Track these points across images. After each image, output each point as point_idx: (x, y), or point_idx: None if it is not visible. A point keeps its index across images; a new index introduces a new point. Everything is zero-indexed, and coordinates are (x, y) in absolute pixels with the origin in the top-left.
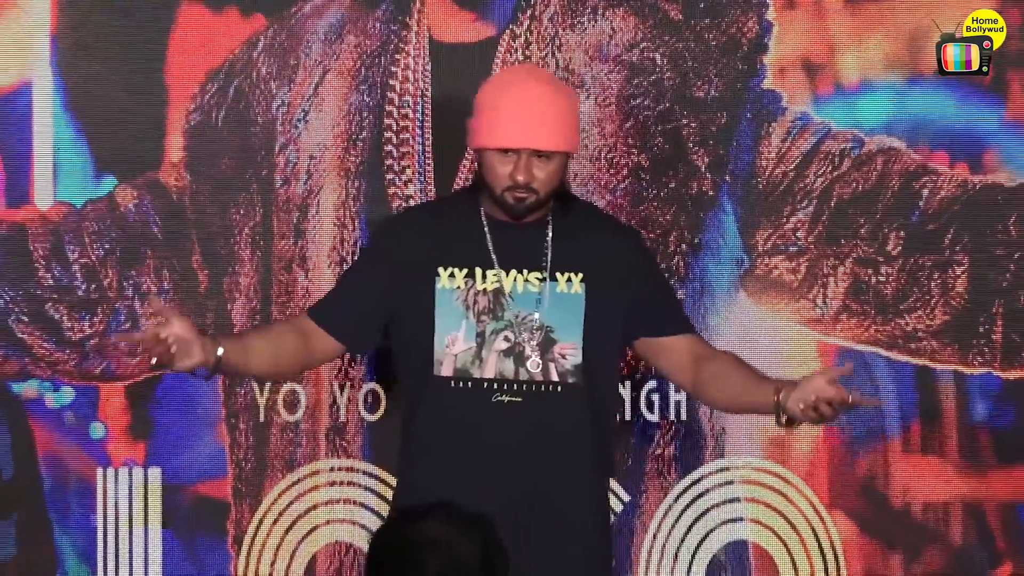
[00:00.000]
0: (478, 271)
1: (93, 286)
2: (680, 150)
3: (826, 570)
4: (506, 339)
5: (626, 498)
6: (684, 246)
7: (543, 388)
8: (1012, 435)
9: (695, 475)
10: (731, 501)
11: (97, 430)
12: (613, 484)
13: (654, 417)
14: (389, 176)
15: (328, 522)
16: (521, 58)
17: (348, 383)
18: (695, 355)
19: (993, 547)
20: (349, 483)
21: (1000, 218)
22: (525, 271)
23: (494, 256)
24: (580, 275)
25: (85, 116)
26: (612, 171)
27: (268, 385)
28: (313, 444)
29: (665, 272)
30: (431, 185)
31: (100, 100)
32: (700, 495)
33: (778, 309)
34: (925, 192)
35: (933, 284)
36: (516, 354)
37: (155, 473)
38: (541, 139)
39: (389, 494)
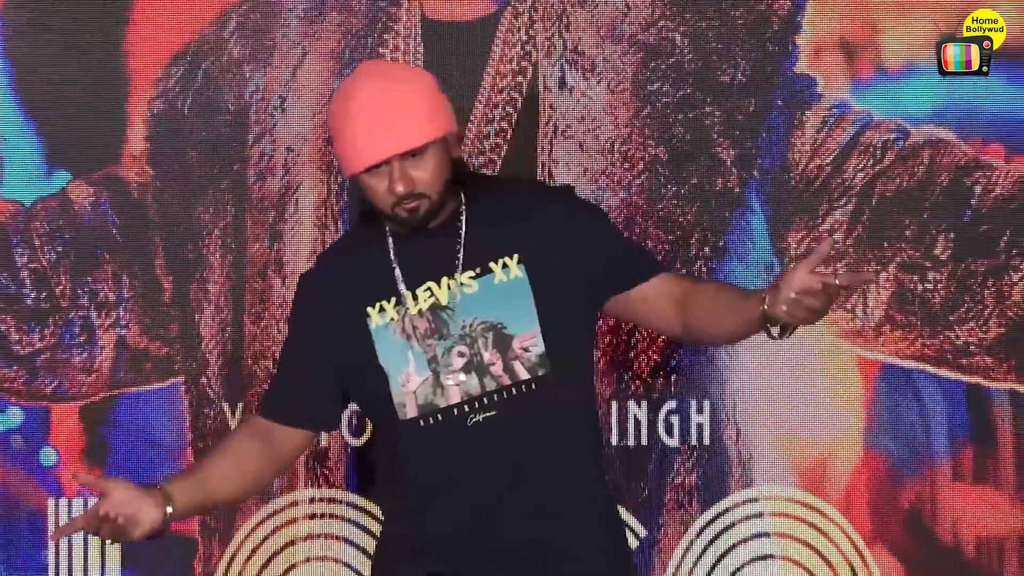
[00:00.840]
0: (407, 295)
1: (44, 294)
2: (703, 142)
3: None
4: (460, 354)
5: (642, 532)
6: (707, 249)
7: (515, 392)
8: None
9: (720, 507)
10: (760, 536)
11: (48, 456)
12: (628, 517)
13: (673, 442)
14: None
15: (308, 559)
16: (524, 38)
17: None
18: (673, 296)
19: None
20: (331, 516)
21: None
22: (456, 275)
23: (409, 274)
24: (515, 256)
25: (35, 102)
26: (627, 165)
27: (240, 406)
28: (291, 472)
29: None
30: None
31: (52, 84)
32: (725, 529)
33: None
34: (978, 189)
35: (987, 292)
36: (476, 366)
37: None
38: (399, 140)
39: (376, 528)
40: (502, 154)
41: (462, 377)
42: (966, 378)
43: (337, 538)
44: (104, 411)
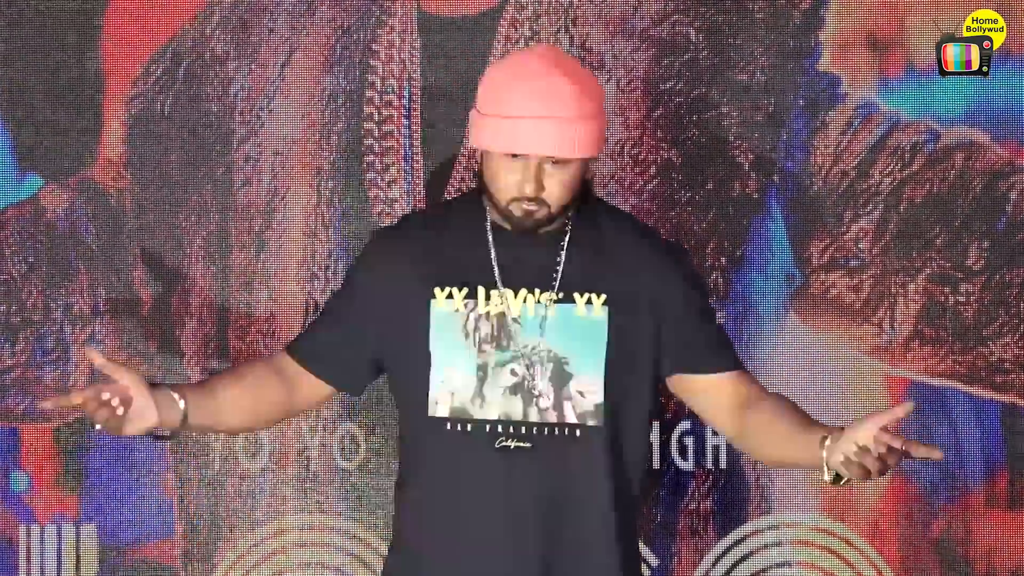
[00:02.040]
0: (480, 291)
1: (14, 307)
2: (719, 144)
3: None
4: (513, 373)
5: (655, 562)
6: (724, 259)
7: (556, 432)
8: None
9: (737, 534)
10: (780, 565)
11: (19, 481)
12: (640, 545)
13: (688, 465)
14: (370, 176)
15: None
16: (528, 34)
17: (320, 424)
18: (740, 398)
19: None
20: (322, 544)
21: None
22: (536, 291)
23: (499, 274)
24: (603, 296)
25: (5, 102)
26: (638, 169)
27: None
28: (278, 497)
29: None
30: (420, 187)
31: (22, 85)
32: (743, 558)
33: (837, 335)
34: (1013, 195)
35: (1023, 305)
36: (525, 391)
37: (89, 532)
38: (557, 145)
39: (370, 557)
40: None
41: (508, 396)
42: (1001, 397)
43: (328, 567)
44: (79, 433)
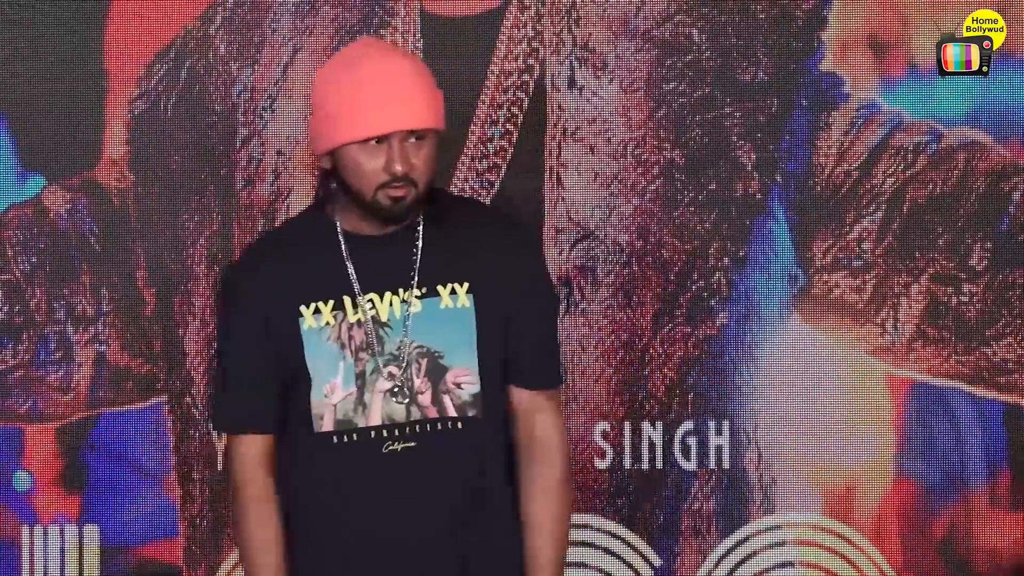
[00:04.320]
0: (347, 301)
1: (17, 308)
2: (722, 145)
3: None
4: (390, 375)
5: (657, 562)
6: (727, 260)
7: (439, 427)
8: None
9: (740, 534)
10: (783, 566)
11: (22, 481)
12: (643, 545)
13: (690, 465)
14: None
15: None
16: (531, 34)
17: None
18: (528, 427)
19: None
20: None
21: None
22: (400, 290)
23: (360, 280)
24: (465, 285)
25: (7, 102)
26: (641, 170)
27: None
28: None
29: (704, 290)
30: None
31: (25, 83)
32: (746, 558)
33: (840, 335)
34: (1016, 195)
35: None
36: (404, 391)
37: (92, 532)
38: (415, 116)
39: None
40: (507, 158)
41: (388, 399)
42: (1004, 397)
43: None
44: (82, 433)
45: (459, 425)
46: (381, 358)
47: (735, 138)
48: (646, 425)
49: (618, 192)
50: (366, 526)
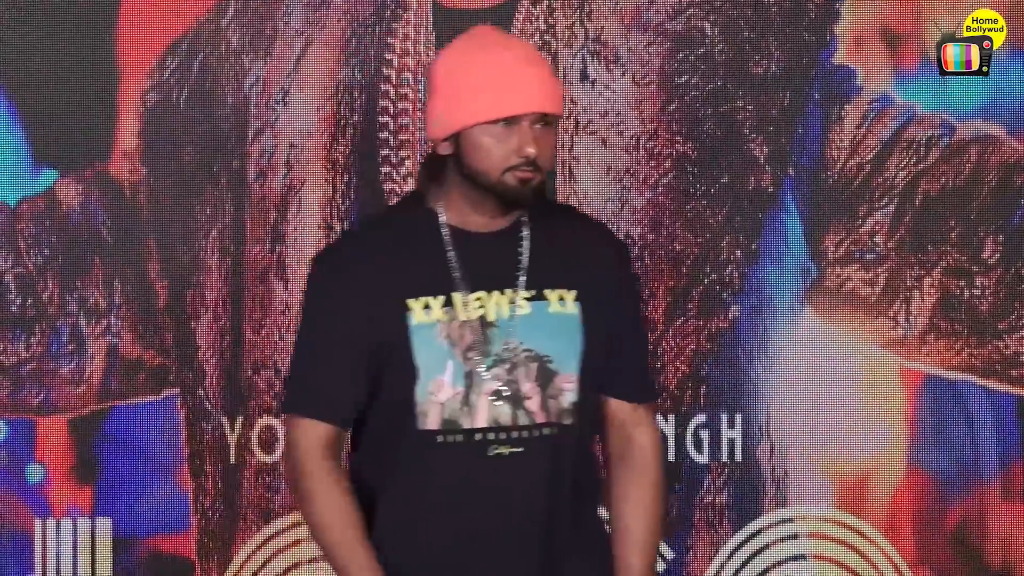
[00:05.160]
0: (456, 298)
1: (29, 301)
2: (734, 138)
3: None
4: (497, 378)
5: (670, 555)
6: (739, 252)
7: (546, 432)
8: None
9: (752, 527)
10: (795, 559)
11: (35, 473)
12: None
13: (703, 458)
14: (385, 169)
15: None
16: (543, 27)
17: None
18: (626, 439)
19: None
20: None
21: None
22: (508, 291)
23: (467, 277)
24: (573, 292)
25: (20, 96)
26: (653, 163)
27: (240, 420)
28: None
29: (716, 283)
30: None
31: (38, 76)
32: (758, 551)
33: (852, 328)
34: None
35: None
36: (511, 395)
37: (104, 525)
38: (549, 100)
39: None
40: None
41: (495, 402)
42: (1016, 390)
43: None
44: (94, 425)
45: (562, 432)
46: (489, 358)
47: (747, 131)
48: (659, 418)
49: (630, 185)
50: (464, 527)
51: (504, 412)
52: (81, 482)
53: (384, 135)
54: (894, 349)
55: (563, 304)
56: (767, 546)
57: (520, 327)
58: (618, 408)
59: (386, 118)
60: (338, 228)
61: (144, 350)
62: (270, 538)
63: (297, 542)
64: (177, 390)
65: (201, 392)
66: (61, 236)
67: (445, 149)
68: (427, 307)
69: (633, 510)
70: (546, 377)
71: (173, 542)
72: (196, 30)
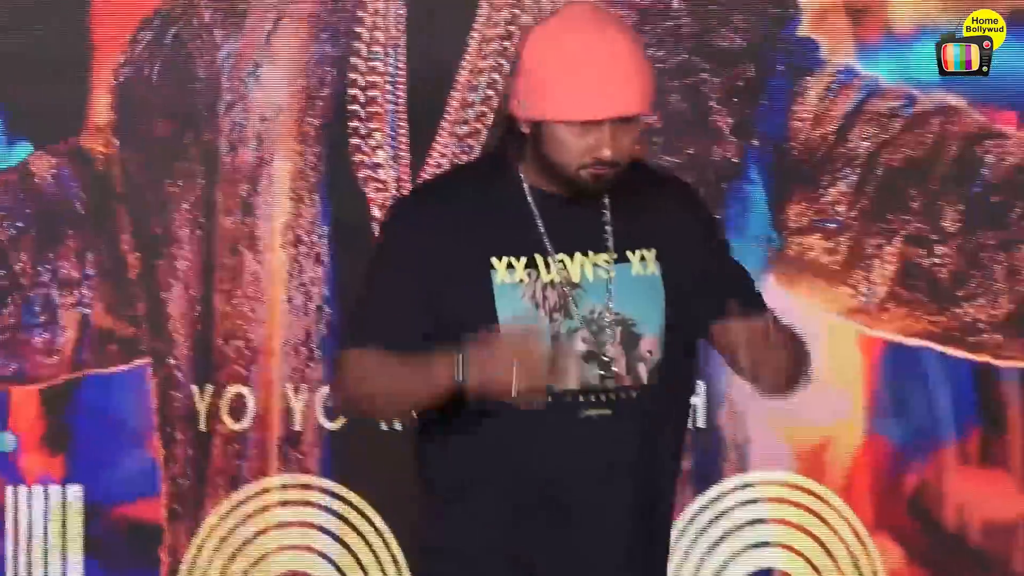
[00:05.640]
0: (539, 259)
1: (2, 272)
2: (700, 109)
3: None
4: (584, 340)
5: None
6: None
7: (634, 395)
8: None
9: (713, 492)
10: (755, 523)
11: (7, 442)
12: None
13: None
14: (354, 141)
15: (280, 549)
16: (511, 1)
17: (304, 385)
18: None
19: None
20: (305, 503)
21: None
22: (590, 253)
23: (552, 240)
24: (653, 251)
25: None
26: None
27: (210, 389)
28: (262, 457)
29: None
30: (404, 152)
31: (11, 50)
32: (719, 516)
33: (814, 296)
34: (989, 158)
35: (997, 267)
36: (598, 357)
37: (75, 492)
38: (631, 102)
39: (352, 515)
40: (487, 123)
41: (583, 364)
42: (974, 357)
43: (311, 526)
44: (66, 394)
45: (649, 394)
46: (574, 321)
47: (713, 103)
48: None
49: None
50: (556, 494)
51: (593, 375)
52: (53, 450)
53: (354, 107)
54: (855, 317)
55: (644, 265)
56: (728, 511)
57: (604, 290)
58: (723, 329)
59: (355, 91)
60: (308, 201)
61: (116, 320)
62: (238, 504)
63: (265, 508)
64: (148, 360)
65: (172, 362)
66: (34, 208)
67: (524, 128)
68: (511, 267)
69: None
70: (632, 340)
71: (143, 508)
72: (169, 4)
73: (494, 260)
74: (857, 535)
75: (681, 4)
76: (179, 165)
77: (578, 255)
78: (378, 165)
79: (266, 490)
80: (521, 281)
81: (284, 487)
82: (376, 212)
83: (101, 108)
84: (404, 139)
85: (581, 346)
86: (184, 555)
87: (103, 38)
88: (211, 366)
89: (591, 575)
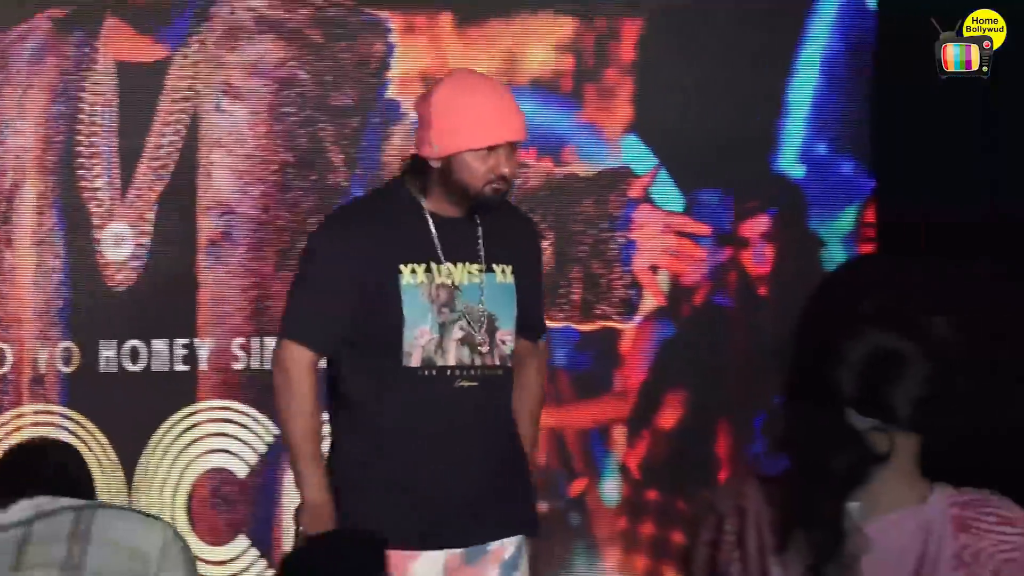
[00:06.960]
0: (434, 266)
1: None
2: (320, 149)
3: None
4: (461, 328)
5: None
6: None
7: (492, 372)
8: (587, 376)
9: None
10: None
11: None
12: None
13: None
14: (80, 172)
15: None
16: (191, 75)
17: (46, 340)
18: (526, 363)
19: (571, 467)
20: (49, 424)
21: (577, 202)
22: (467, 263)
23: (442, 251)
24: (510, 266)
25: None
26: (264, 165)
27: None
28: (17, 393)
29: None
30: (117, 180)
31: None
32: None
33: None
34: (517, 182)
35: None
36: (470, 342)
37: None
38: (519, 128)
39: (81, 433)
40: (175, 159)
41: (460, 346)
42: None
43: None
44: None
45: (502, 372)
46: (455, 313)
47: (328, 144)
48: None
49: (248, 182)
50: (437, 441)
51: (465, 354)
52: None
53: (80, 149)
54: None
55: (504, 276)
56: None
57: (476, 292)
58: (524, 345)
59: (82, 137)
60: (47, 213)
61: None
62: (1, 425)
63: (18, 429)
64: None
65: None
66: None
67: (435, 164)
68: (413, 271)
69: (527, 400)
70: (493, 330)
71: None
72: None
73: (401, 266)
74: None
75: (307, 75)
76: None
77: (460, 264)
78: (97, 188)
79: (21, 415)
80: (421, 282)
81: (35, 413)
82: (96, 221)
83: None
84: (116, 170)
85: (459, 332)
86: None
87: None
88: None
89: (465, 500)
